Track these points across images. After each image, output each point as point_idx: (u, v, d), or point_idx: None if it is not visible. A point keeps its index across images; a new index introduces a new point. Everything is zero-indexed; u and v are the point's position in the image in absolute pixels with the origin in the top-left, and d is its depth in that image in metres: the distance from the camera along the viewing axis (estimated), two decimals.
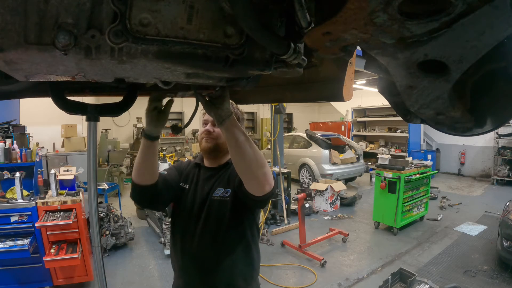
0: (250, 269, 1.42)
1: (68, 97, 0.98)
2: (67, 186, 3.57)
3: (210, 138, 1.41)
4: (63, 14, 0.52)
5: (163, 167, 5.81)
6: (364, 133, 12.63)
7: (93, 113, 0.98)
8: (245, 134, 1.09)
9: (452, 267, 4.04)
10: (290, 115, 15.18)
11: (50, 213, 3.26)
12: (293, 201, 6.22)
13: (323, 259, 4.14)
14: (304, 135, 9.11)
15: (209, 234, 1.35)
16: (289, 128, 14.38)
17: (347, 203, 6.91)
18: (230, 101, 1.37)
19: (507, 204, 4.39)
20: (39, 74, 0.66)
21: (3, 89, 0.99)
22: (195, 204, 1.39)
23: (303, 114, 15.60)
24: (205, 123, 1.46)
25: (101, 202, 4.87)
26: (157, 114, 1.12)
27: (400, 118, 0.94)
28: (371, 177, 8.98)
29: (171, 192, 1.40)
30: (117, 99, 1.04)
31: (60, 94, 0.96)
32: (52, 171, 3.44)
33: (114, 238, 4.40)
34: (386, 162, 6.02)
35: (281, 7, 0.66)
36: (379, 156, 9.24)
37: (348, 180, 8.83)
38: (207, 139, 1.41)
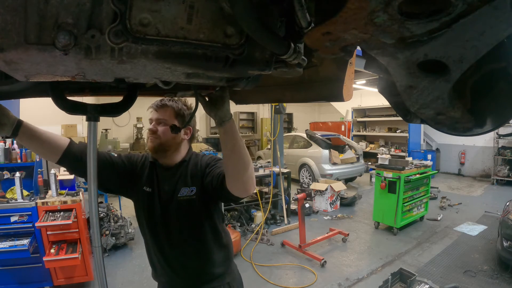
0: (225, 253, 1.49)
1: (68, 97, 0.98)
2: (67, 186, 3.57)
3: (154, 137, 1.36)
4: (63, 14, 0.52)
5: None
6: (364, 133, 12.62)
7: (93, 113, 0.98)
8: (241, 138, 1.12)
9: (452, 267, 4.04)
10: (290, 115, 15.18)
11: (50, 213, 3.26)
12: (293, 201, 6.22)
13: (323, 259, 4.14)
14: (304, 135, 9.11)
15: (185, 232, 1.39)
16: (289, 128, 14.38)
17: (347, 203, 6.91)
18: (177, 99, 1.39)
19: (507, 204, 4.39)
20: (39, 74, 0.66)
21: (3, 89, 0.99)
22: (162, 206, 1.39)
23: (303, 114, 15.60)
24: (150, 121, 1.42)
25: (101, 202, 4.87)
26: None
27: (400, 118, 0.94)
28: (371, 177, 8.98)
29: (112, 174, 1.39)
30: (117, 99, 1.04)
31: (60, 94, 0.96)
32: (52, 171, 3.44)
33: (114, 238, 4.40)
34: (386, 162, 6.02)
35: (281, 7, 0.66)
36: (379, 156, 9.24)
37: (348, 180, 8.83)
38: (152, 138, 1.37)
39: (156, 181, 1.42)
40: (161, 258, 1.43)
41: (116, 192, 1.62)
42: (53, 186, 3.39)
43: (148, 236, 1.44)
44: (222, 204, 1.53)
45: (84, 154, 1.23)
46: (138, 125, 10.36)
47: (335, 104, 13.28)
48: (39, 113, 6.04)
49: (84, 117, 0.98)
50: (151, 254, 1.48)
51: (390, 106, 0.91)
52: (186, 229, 1.39)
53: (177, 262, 1.42)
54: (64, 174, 3.66)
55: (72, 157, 1.25)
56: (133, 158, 1.51)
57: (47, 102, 1.08)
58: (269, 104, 6.21)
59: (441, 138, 10.85)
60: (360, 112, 12.80)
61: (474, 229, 5.36)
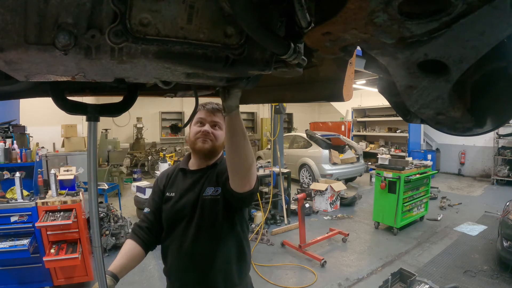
0: (243, 264, 1.44)
1: (68, 97, 0.98)
2: (67, 186, 3.57)
3: (208, 139, 1.38)
4: (63, 14, 0.52)
5: (163, 167, 5.82)
6: (364, 133, 12.62)
7: (93, 113, 0.97)
8: (244, 132, 1.11)
9: (452, 267, 4.04)
10: (290, 115, 15.18)
11: (50, 213, 3.26)
12: (293, 201, 6.22)
13: (323, 259, 4.14)
14: (304, 135, 9.11)
15: (204, 232, 1.36)
16: (289, 128, 14.38)
17: (347, 203, 6.91)
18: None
19: (507, 204, 4.39)
20: (39, 74, 0.66)
21: (3, 89, 0.99)
22: (186, 206, 1.39)
23: (303, 114, 15.60)
24: (201, 122, 1.41)
25: (101, 202, 4.87)
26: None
27: (400, 118, 0.94)
28: (371, 177, 8.98)
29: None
30: (118, 99, 1.04)
31: (60, 94, 0.96)
32: (52, 171, 3.44)
33: (114, 238, 4.40)
34: (386, 162, 6.02)
35: (281, 7, 0.66)
36: (379, 156, 9.24)
37: (348, 180, 8.83)
38: (205, 140, 1.38)
39: (182, 185, 1.44)
40: (175, 262, 1.40)
41: None
42: (53, 186, 3.39)
43: (168, 239, 1.43)
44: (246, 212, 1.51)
45: (150, 219, 1.47)
46: (138, 125, 10.37)
47: (335, 104, 13.28)
48: (39, 113, 6.05)
49: (84, 117, 0.98)
50: (167, 254, 1.44)
51: (390, 106, 0.91)
52: (208, 228, 1.36)
53: (190, 265, 1.37)
54: (64, 174, 3.66)
55: (153, 238, 1.47)
56: (163, 176, 1.56)
57: (47, 102, 1.08)
58: (269, 104, 6.21)
59: (441, 138, 10.85)
60: (360, 112, 12.80)
61: (474, 229, 5.36)
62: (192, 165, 1.49)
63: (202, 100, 1.22)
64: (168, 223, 1.43)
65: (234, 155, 1.13)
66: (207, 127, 1.39)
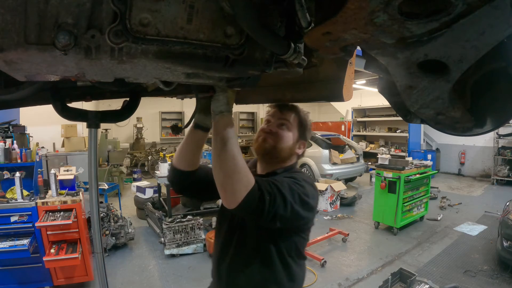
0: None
1: (68, 104, 0.98)
2: (67, 186, 3.57)
3: (269, 138, 1.20)
4: (63, 14, 0.52)
5: (163, 167, 5.81)
6: (364, 133, 12.62)
7: (93, 120, 0.98)
8: (230, 141, 0.96)
9: (452, 267, 4.04)
10: None
11: (50, 213, 3.26)
12: None
13: (323, 259, 4.14)
14: None
15: (244, 245, 1.19)
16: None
17: (347, 203, 6.90)
18: (302, 108, 1.29)
19: (507, 204, 4.39)
20: (39, 74, 0.66)
21: (3, 98, 0.99)
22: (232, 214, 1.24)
23: None
24: (268, 120, 1.27)
25: (101, 202, 4.86)
26: (207, 101, 1.04)
27: (400, 118, 0.94)
28: (371, 177, 8.97)
29: (211, 188, 1.18)
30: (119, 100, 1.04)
31: (61, 102, 0.96)
32: (52, 171, 3.43)
33: (114, 238, 4.40)
34: (386, 162, 6.02)
35: (281, 7, 0.66)
36: (379, 156, 9.22)
37: (348, 180, 8.82)
38: (265, 138, 1.21)
39: None
40: (216, 267, 1.28)
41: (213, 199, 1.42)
42: (53, 186, 3.39)
43: (216, 242, 1.32)
44: (299, 235, 1.22)
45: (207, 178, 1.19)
46: (138, 125, 10.37)
47: (335, 104, 13.27)
48: (39, 113, 6.03)
49: None
50: (212, 263, 1.32)
51: (390, 106, 0.91)
52: (247, 243, 1.18)
53: (228, 276, 1.22)
54: (64, 174, 3.66)
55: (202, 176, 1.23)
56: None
57: None
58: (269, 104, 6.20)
59: (441, 138, 10.84)
60: (360, 112, 12.79)
61: (474, 229, 5.36)
62: (258, 170, 1.30)
63: None
64: (218, 215, 1.36)
65: (212, 164, 0.99)
66: (270, 126, 1.23)
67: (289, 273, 1.18)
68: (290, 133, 1.22)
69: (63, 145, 6.78)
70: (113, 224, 4.45)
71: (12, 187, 3.33)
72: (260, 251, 1.16)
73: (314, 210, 1.17)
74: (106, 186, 5.31)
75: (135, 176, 9.37)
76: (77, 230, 3.29)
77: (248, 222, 1.17)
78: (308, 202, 1.08)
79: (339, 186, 6.65)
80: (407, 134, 10.35)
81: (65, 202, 3.34)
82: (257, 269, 1.17)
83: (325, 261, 4.14)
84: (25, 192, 3.35)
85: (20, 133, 4.26)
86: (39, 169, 3.55)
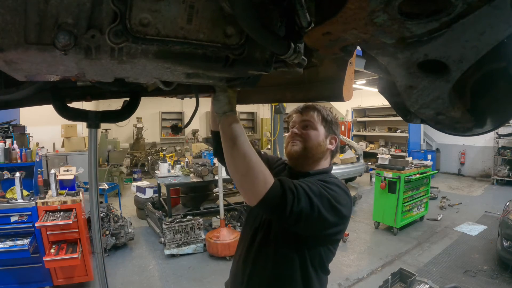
0: None
1: (68, 104, 0.98)
2: (67, 186, 3.57)
3: (297, 140, 1.21)
4: (63, 14, 0.52)
5: (163, 167, 5.82)
6: (364, 133, 12.62)
7: (93, 120, 0.98)
8: (238, 139, 0.95)
9: (452, 267, 4.04)
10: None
11: (50, 213, 3.26)
12: None
13: None
14: None
15: (265, 250, 1.17)
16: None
17: None
18: (325, 106, 1.30)
19: (507, 204, 4.39)
20: (39, 74, 0.66)
21: (3, 98, 0.99)
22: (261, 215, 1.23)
23: None
24: (293, 125, 1.28)
25: (101, 202, 4.86)
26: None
27: (400, 118, 0.94)
28: (371, 177, 8.97)
29: None
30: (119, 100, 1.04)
31: (61, 102, 0.96)
32: (52, 171, 3.43)
33: (114, 238, 4.40)
34: (386, 162, 6.02)
35: (281, 7, 0.66)
36: (379, 156, 9.23)
37: (348, 180, 8.81)
38: (295, 142, 1.21)
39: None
40: (234, 268, 1.27)
41: None
42: (53, 186, 3.39)
43: (241, 238, 1.31)
44: (326, 249, 1.16)
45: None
46: (138, 125, 10.37)
47: (335, 104, 13.25)
48: (39, 113, 6.03)
49: None
50: (234, 258, 1.31)
51: (390, 106, 0.91)
52: (268, 245, 1.15)
53: (248, 280, 1.19)
54: (64, 174, 3.66)
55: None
56: (271, 157, 1.45)
57: None
58: (269, 104, 6.20)
59: (441, 138, 10.84)
60: (360, 112, 12.79)
61: (474, 229, 5.36)
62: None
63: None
64: (247, 213, 1.34)
65: (226, 164, 1.00)
66: (295, 128, 1.24)
67: (318, 282, 1.14)
68: (316, 131, 1.22)
69: (63, 145, 6.78)
70: (113, 224, 4.45)
71: (12, 187, 3.33)
72: (282, 255, 1.13)
73: (345, 219, 1.10)
74: (106, 186, 5.31)
75: (135, 176, 9.36)
76: (77, 230, 3.29)
77: (273, 223, 1.15)
78: (338, 208, 1.03)
79: None
80: (407, 134, 10.35)
81: (65, 202, 3.34)
82: (275, 276, 1.14)
83: None
84: (25, 192, 3.35)
85: (20, 133, 4.26)
86: (39, 169, 3.55)
